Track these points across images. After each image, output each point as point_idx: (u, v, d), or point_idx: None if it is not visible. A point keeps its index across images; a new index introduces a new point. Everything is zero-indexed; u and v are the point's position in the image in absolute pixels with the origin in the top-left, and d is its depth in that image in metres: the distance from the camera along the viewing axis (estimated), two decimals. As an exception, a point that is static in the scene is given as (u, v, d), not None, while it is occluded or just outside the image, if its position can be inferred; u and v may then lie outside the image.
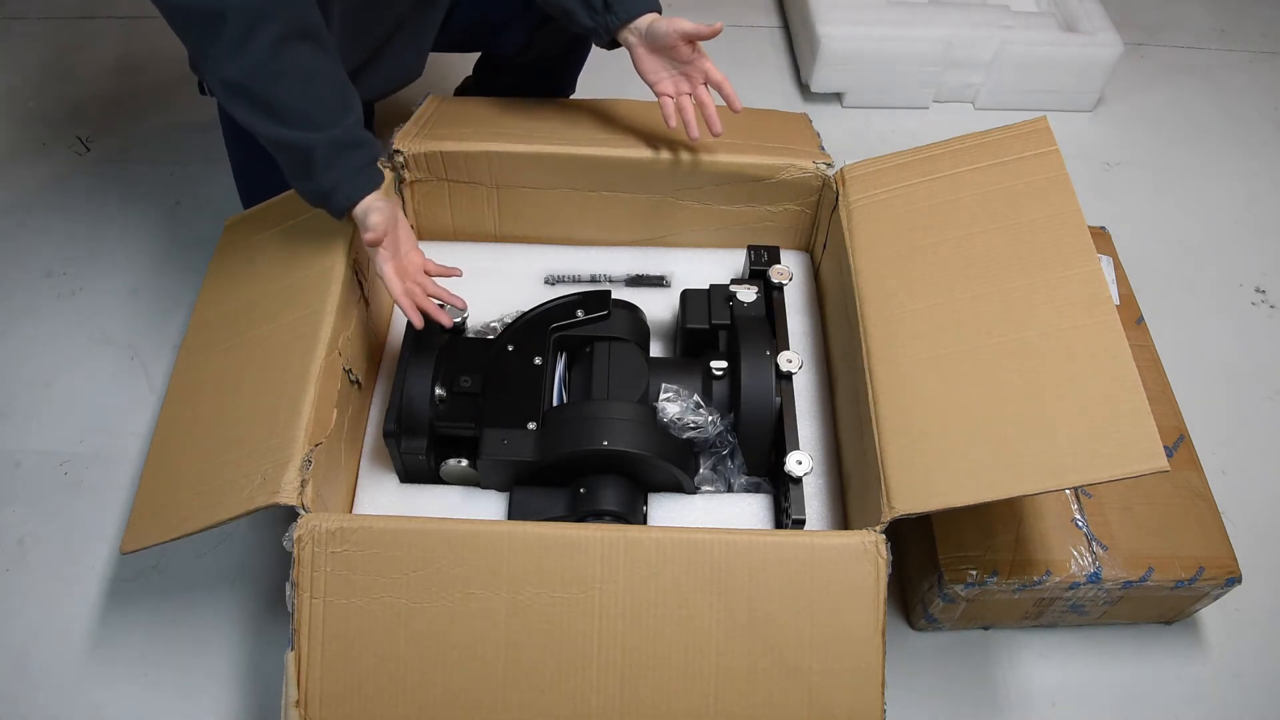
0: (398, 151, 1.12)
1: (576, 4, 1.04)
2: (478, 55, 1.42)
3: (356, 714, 0.80)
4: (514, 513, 0.96)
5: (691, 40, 1.02)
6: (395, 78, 1.19)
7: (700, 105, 1.06)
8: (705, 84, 1.06)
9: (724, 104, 1.06)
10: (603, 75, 1.66)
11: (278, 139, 0.90)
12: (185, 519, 0.87)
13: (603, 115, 1.18)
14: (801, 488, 0.93)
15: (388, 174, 1.11)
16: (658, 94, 1.07)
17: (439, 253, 1.21)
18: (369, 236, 0.94)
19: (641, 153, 1.12)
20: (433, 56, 1.22)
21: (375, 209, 0.94)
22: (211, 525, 0.85)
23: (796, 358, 0.99)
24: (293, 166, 0.93)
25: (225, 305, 1.05)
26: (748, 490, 1.01)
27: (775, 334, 1.04)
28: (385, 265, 0.97)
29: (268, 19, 0.85)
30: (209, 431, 0.94)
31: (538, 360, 1.00)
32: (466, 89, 1.49)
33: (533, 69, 1.30)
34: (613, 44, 1.07)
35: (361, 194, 0.94)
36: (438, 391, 0.98)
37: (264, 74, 0.87)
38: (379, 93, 1.20)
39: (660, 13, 1.05)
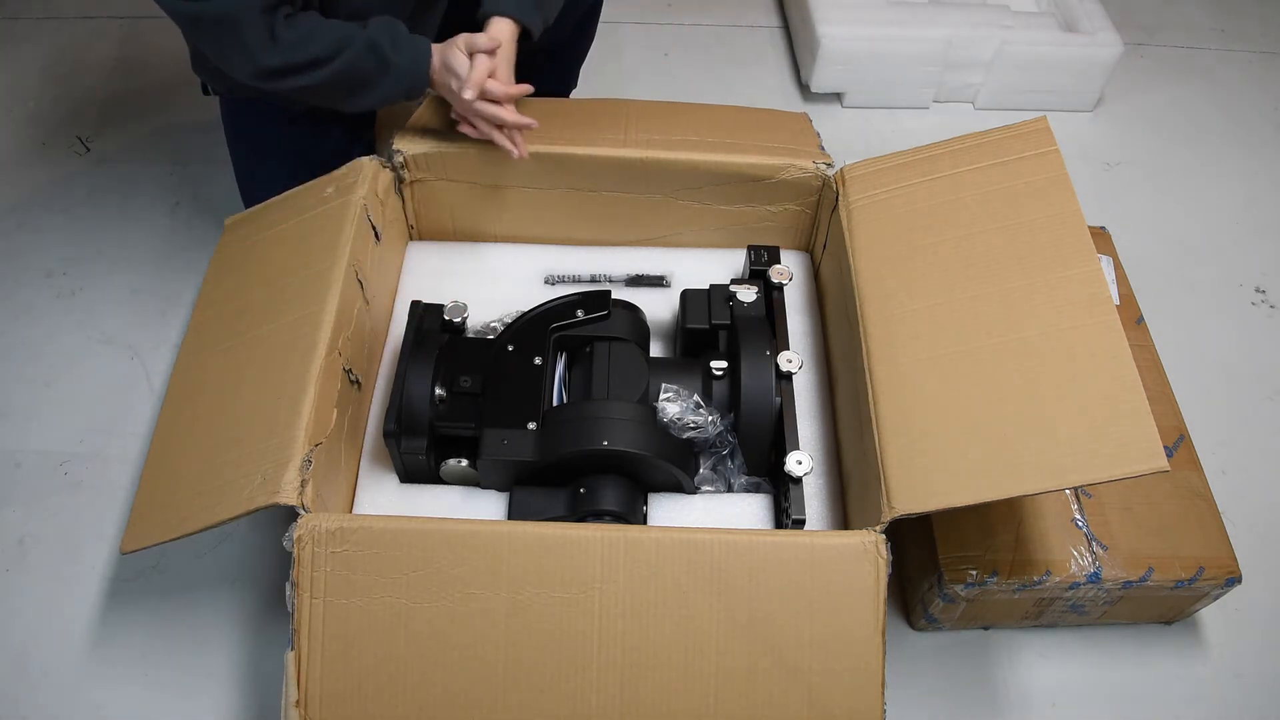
0: (398, 151, 1.12)
1: None
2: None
3: (356, 714, 0.80)
4: (514, 513, 0.96)
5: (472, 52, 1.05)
6: None
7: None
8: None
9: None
10: (603, 75, 1.67)
11: (339, 71, 0.99)
12: (185, 519, 0.87)
13: (603, 115, 1.18)
14: (801, 488, 0.93)
15: (386, 174, 1.12)
16: None
17: (439, 252, 1.22)
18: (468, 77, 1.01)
19: (641, 153, 1.12)
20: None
21: (439, 56, 1.03)
22: (211, 525, 0.85)
23: (796, 358, 0.99)
24: (362, 78, 1.01)
25: (225, 305, 1.05)
26: (748, 490, 1.01)
27: (775, 334, 1.04)
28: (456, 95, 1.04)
29: (282, 2, 0.94)
30: (209, 431, 0.94)
31: (538, 360, 1.00)
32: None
33: (536, 60, 1.30)
34: None
35: (429, 47, 1.02)
36: (438, 391, 0.98)
37: (298, 45, 0.96)
38: None
39: (527, 29, 1.07)
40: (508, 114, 1.05)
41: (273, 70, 0.97)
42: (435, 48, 1.04)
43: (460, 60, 1.02)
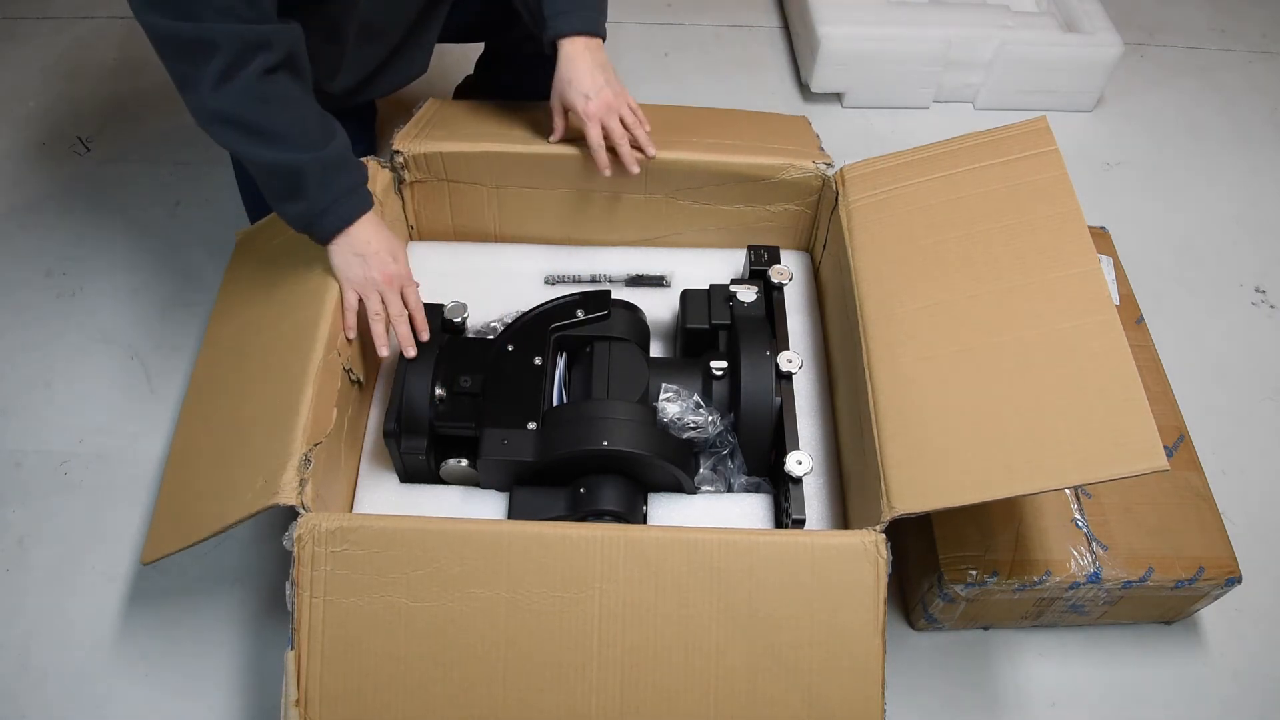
0: (398, 152, 1.12)
1: (522, 9, 1.08)
2: (478, 54, 1.42)
3: (356, 714, 0.80)
4: (514, 512, 0.96)
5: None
6: (403, 76, 1.20)
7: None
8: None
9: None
10: (603, 75, 1.66)
11: (266, 161, 0.91)
12: (197, 526, 0.88)
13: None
14: (801, 488, 0.93)
15: (386, 174, 1.12)
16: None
17: (439, 252, 1.22)
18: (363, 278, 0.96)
19: (641, 153, 1.12)
20: (434, 54, 1.23)
21: (368, 230, 0.96)
22: (219, 531, 0.85)
23: (796, 358, 0.99)
24: (279, 189, 0.94)
25: (236, 315, 1.06)
26: (748, 490, 1.01)
27: (775, 334, 1.04)
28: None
29: (262, 49, 0.87)
30: (219, 437, 0.95)
31: (538, 360, 1.00)
32: (467, 87, 1.49)
33: (535, 63, 1.31)
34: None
35: (355, 214, 0.95)
36: (438, 391, 0.98)
37: (252, 100, 0.88)
38: (386, 90, 1.21)
39: (599, 37, 1.07)
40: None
41: (218, 112, 0.88)
42: (378, 227, 0.97)
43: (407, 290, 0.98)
